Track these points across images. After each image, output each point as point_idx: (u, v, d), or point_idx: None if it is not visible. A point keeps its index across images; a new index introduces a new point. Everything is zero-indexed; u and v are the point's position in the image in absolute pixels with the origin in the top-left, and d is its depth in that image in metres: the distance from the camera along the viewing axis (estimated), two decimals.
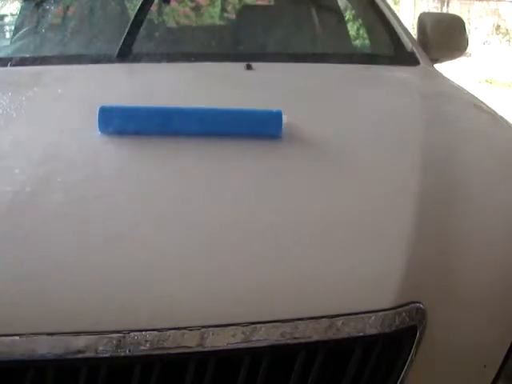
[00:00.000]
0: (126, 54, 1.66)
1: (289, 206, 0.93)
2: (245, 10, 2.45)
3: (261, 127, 1.12)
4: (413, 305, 0.78)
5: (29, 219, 0.88)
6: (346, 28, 2.25)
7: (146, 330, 0.72)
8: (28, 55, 1.79)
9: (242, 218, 0.89)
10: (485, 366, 0.83)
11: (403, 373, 0.77)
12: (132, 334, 0.72)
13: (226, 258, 0.81)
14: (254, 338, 0.73)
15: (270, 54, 1.85)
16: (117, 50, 1.65)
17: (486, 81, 10.18)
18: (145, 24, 1.75)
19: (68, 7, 2.04)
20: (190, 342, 0.72)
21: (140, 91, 1.56)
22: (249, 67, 1.60)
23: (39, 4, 2.04)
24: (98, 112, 1.11)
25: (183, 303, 0.75)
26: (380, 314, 0.76)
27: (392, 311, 0.77)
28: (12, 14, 2.29)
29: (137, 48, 1.70)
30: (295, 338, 0.74)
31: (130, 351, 0.72)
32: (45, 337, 0.72)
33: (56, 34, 1.88)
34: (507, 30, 15.02)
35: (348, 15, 2.43)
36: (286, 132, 1.12)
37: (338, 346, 0.76)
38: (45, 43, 1.85)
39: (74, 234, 0.84)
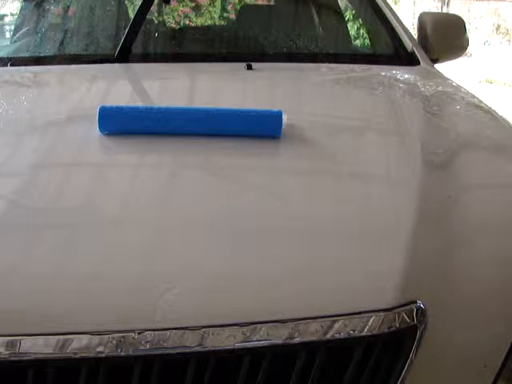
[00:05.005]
0: (125, 54, 1.66)
1: (288, 205, 0.93)
2: (245, 10, 2.45)
3: (261, 127, 1.12)
4: (413, 305, 0.78)
5: (29, 221, 0.88)
6: (347, 28, 2.25)
7: (146, 330, 0.72)
8: (28, 55, 1.79)
9: (241, 217, 0.89)
10: (485, 366, 0.83)
11: (403, 373, 0.77)
12: (132, 333, 0.72)
13: (226, 257, 0.81)
14: (254, 338, 0.73)
15: (270, 54, 1.85)
16: (117, 50, 1.65)
17: (487, 81, 10.18)
18: (145, 24, 1.76)
19: (68, 7, 2.04)
20: (190, 342, 0.72)
21: (140, 91, 1.56)
22: (249, 67, 1.60)
23: (39, 4, 2.05)
24: (97, 112, 1.11)
25: (183, 303, 0.75)
26: (380, 313, 0.76)
27: (392, 311, 0.77)
28: (12, 14, 2.30)
29: (137, 48, 1.70)
30: (295, 338, 0.74)
31: (130, 351, 0.72)
32: (45, 337, 0.72)
33: (56, 34, 1.88)
34: (507, 29, 15.03)
35: (348, 15, 2.43)
36: (286, 132, 1.12)
37: (338, 346, 0.76)
38: (45, 43, 1.85)
39: (75, 235, 0.84)
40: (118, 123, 1.12)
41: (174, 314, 0.74)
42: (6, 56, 1.81)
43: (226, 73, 1.65)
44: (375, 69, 1.77)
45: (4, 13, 2.45)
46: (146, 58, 1.76)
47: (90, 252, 0.81)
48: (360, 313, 0.76)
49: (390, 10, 2.01)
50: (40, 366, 0.72)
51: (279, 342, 0.74)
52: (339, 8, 2.33)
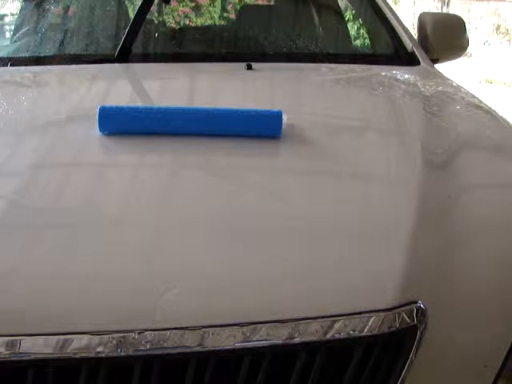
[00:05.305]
0: (125, 54, 1.66)
1: (288, 205, 0.93)
2: (245, 10, 2.45)
3: (261, 127, 1.12)
4: (413, 305, 0.78)
5: (29, 221, 0.88)
6: (347, 28, 2.25)
7: (146, 330, 0.72)
8: (28, 55, 1.79)
9: (241, 218, 0.89)
10: (485, 366, 0.83)
11: (403, 373, 0.77)
12: (132, 333, 0.72)
13: (226, 258, 0.81)
14: (254, 338, 0.73)
15: (270, 54, 1.85)
16: (117, 50, 1.66)
17: (487, 81, 10.18)
18: (145, 24, 1.76)
19: (68, 7, 2.04)
20: (190, 342, 0.72)
21: (140, 91, 1.56)
22: (249, 67, 1.60)
23: (39, 4, 2.05)
24: (97, 112, 1.11)
25: (183, 303, 0.75)
26: (380, 314, 0.76)
27: (392, 311, 0.77)
28: (12, 14, 2.30)
29: (137, 48, 1.70)
30: (295, 338, 0.74)
31: (130, 351, 0.72)
32: (45, 337, 0.72)
33: (56, 34, 1.89)
34: (507, 29, 15.03)
35: (348, 15, 2.43)
36: (286, 132, 1.12)
37: (338, 346, 0.76)
38: (45, 43, 1.85)
39: (75, 236, 0.84)
40: (118, 123, 1.12)
41: (174, 314, 0.74)
42: (6, 56, 1.81)
43: (226, 73, 1.65)
44: (375, 69, 1.77)
45: (4, 13, 2.45)
46: (146, 58, 1.76)
47: (90, 252, 0.81)
48: (360, 313, 0.76)
49: (390, 10, 2.01)
50: (40, 365, 0.72)
51: (279, 342, 0.74)
52: (339, 8, 2.33)
